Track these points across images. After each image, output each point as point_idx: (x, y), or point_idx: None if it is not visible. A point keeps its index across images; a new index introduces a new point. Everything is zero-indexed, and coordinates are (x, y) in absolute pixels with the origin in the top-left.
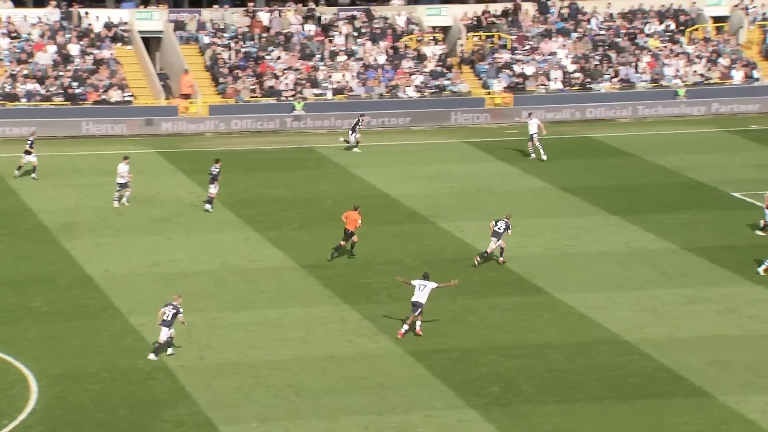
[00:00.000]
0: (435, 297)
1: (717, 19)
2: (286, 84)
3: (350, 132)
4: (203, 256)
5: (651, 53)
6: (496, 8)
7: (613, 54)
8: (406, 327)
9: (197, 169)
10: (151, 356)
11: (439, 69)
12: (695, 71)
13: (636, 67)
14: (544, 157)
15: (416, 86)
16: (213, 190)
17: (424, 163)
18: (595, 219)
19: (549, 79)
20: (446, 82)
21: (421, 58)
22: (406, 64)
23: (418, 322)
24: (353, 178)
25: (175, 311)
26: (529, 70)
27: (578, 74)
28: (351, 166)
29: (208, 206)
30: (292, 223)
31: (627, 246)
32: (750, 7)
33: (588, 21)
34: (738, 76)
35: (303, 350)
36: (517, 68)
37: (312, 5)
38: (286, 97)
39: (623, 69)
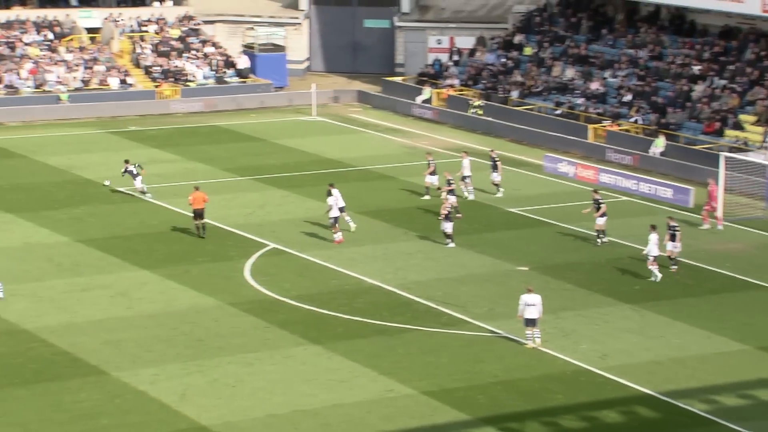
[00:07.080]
0: None
1: (90, 30)
2: None
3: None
4: None
5: (32, 61)
6: None
7: None
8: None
9: None
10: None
11: None
12: (75, 77)
13: (19, 73)
14: None
15: None
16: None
17: None
18: None
19: None
20: None
21: None
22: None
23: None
24: None
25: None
26: None
27: None
28: None
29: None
30: None
31: (23, 241)
32: (119, 20)
33: None
34: (114, 82)
35: None
36: None
37: None
38: None
39: (7, 76)
